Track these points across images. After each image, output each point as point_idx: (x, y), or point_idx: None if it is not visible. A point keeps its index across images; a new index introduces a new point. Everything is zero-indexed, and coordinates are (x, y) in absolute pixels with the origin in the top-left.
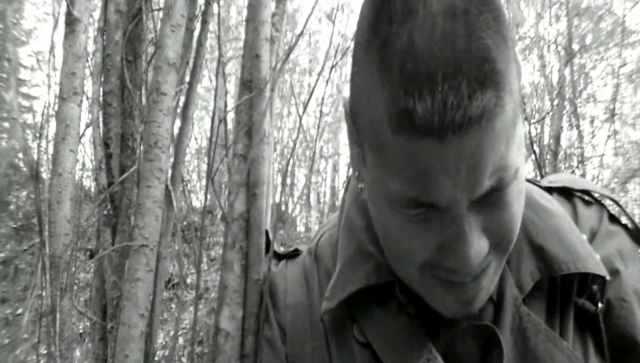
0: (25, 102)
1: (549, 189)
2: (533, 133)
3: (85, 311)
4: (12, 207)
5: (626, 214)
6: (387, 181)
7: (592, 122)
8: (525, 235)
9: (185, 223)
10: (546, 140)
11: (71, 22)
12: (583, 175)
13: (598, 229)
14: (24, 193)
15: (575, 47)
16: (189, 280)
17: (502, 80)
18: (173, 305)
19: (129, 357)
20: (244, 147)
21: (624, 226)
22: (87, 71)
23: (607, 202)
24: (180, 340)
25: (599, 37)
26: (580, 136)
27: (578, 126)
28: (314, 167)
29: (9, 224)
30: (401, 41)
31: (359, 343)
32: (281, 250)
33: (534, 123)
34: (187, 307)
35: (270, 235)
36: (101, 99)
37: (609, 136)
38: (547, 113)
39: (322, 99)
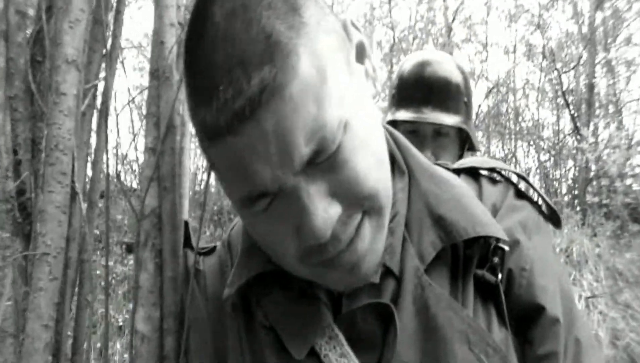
0: None
1: (457, 171)
2: (565, 84)
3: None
4: None
5: (533, 188)
6: (223, 187)
7: (629, 66)
8: (427, 206)
9: (215, 207)
10: (582, 90)
11: None
12: (620, 122)
13: (501, 205)
14: None
15: None
16: None
17: (283, 50)
18: None
19: None
20: (154, 139)
21: (532, 201)
22: None
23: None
24: None
25: None
26: (614, 83)
27: (612, 73)
28: None
29: None
30: (190, 56)
31: (263, 327)
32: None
33: (565, 73)
34: None
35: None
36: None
37: None
38: (578, 61)
39: None
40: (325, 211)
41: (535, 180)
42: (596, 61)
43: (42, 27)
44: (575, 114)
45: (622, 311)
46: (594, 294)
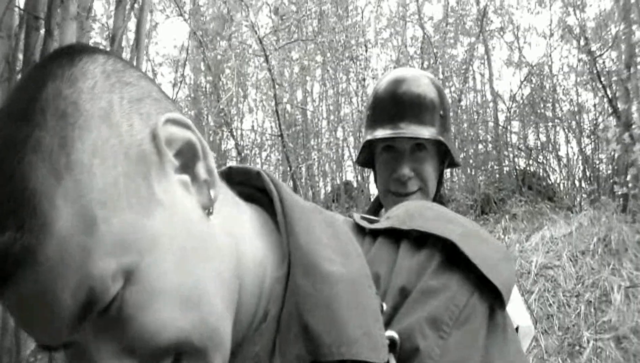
0: None
1: (375, 233)
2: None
3: None
4: None
5: (463, 256)
6: None
7: None
8: (296, 308)
9: None
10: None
11: None
12: None
13: (414, 287)
14: None
15: None
16: None
17: (35, 206)
18: None
19: None
20: None
21: (470, 270)
22: None
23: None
24: None
25: None
26: None
27: None
28: None
29: None
30: None
31: None
32: None
33: (599, 56)
34: None
35: None
36: None
37: None
38: (614, 42)
39: None
40: None
41: (578, 166)
42: (632, 41)
43: None
44: (617, 95)
45: None
46: (634, 283)
